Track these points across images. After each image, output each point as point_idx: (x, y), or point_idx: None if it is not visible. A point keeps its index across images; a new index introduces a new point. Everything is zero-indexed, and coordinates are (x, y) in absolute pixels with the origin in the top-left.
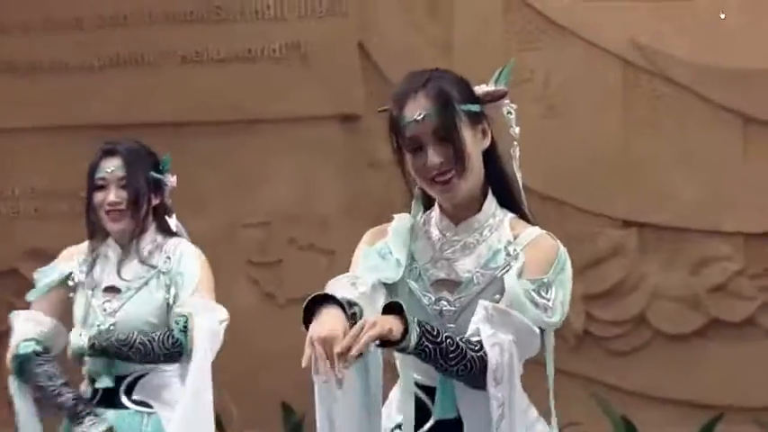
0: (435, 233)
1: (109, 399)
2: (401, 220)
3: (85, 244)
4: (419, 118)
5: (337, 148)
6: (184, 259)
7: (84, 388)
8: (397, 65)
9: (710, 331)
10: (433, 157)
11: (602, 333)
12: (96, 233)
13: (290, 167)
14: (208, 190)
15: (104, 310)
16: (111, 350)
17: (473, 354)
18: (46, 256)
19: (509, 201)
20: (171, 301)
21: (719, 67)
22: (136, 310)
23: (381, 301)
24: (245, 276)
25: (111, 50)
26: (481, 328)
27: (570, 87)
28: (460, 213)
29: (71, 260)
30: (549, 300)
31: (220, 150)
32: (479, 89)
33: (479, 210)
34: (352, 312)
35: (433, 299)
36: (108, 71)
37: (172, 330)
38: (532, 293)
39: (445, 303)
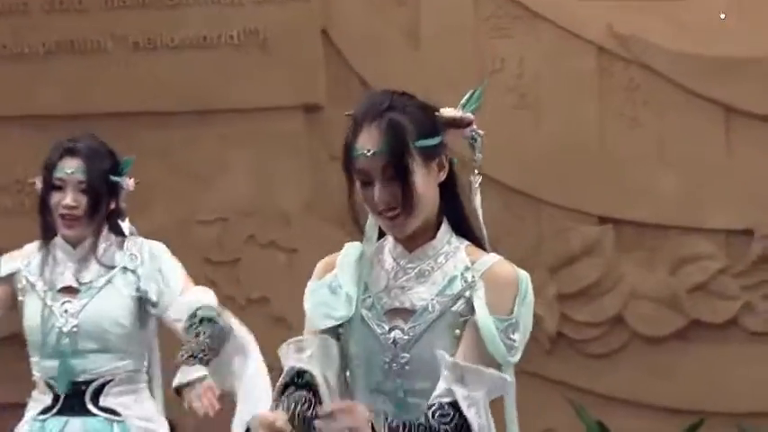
0: (389, 261)
1: (73, 406)
2: (350, 249)
3: (29, 247)
4: (368, 153)
5: (299, 140)
6: (158, 257)
7: (39, 395)
8: (362, 53)
9: (691, 333)
10: (381, 194)
11: (577, 335)
12: (48, 232)
13: (249, 160)
14: (161, 184)
15: (65, 311)
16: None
17: (446, 427)
18: None
19: (466, 230)
20: (155, 298)
21: (700, 54)
22: (100, 310)
23: (334, 349)
24: (201, 276)
25: (58, 36)
26: (455, 390)
27: (543, 76)
28: (414, 241)
29: (14, 261)
30: (515, 341)
31: (174, 142)
32: (444, 113)
33: (434, 237)
34: (299, 399)
35: (387, 328)
36: (55, 58)
37: (204, 319)
38: (501, 334)
39: (399, 333)
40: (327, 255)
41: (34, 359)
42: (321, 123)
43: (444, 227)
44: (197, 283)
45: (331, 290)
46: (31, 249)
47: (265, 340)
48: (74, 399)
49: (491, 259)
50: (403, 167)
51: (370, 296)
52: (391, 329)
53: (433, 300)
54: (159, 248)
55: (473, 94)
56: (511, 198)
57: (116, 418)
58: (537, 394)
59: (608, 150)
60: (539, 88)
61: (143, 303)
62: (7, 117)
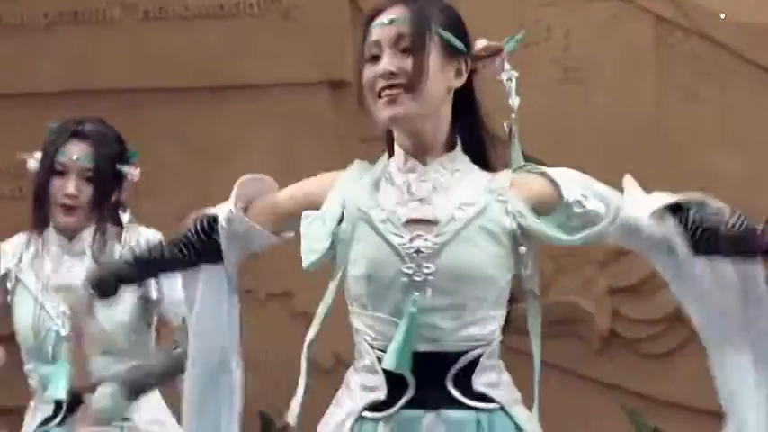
0: (399, 177)
1: (77, 413)
2: (353, 168)
3: (15, 241)
4: (386, 21)
5: (324, 119)
6: None
7: (38, 404)
8: None
9: None
10: (388, 64)
11: (631, 334)
12: (42, 222)
13: (269, 141)
14: (173, 166)
15: (63, 312)
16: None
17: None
18: None
19: (482, 159)
20: (154, 296)
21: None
22: (102, 312)
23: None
24: None
25: (61, 5)
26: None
27: (594, 48)
28: (423, 156)
29: (3, 259)
30: (592, 209)
31: (188, 121)
32: (477, 42)
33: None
34: None
35: (408, 238)
36: (57, 30)
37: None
38: (572, 222)
39: (422, 242)
40: None
41: (29, 366)
42: (348, 101)
43: (459, 147)
44: None
45: (322, 220)
46: (18, 243)
47: (286, 336)
48: (77, 406)
49: (509, 171)
50: (419, 41)
51: (383, 210)
52: (412, 239)
53: (456, 210)
54: (157, 238)
55: (512, 37)
56: None
57: (123, 423)
58: (586, 398)
59: (665, 130)
60: (588, 60)
61: (145, 301)
62: (5, 95)
